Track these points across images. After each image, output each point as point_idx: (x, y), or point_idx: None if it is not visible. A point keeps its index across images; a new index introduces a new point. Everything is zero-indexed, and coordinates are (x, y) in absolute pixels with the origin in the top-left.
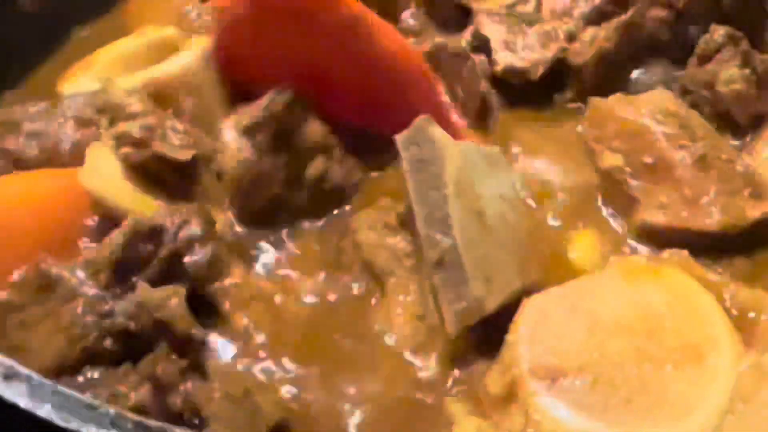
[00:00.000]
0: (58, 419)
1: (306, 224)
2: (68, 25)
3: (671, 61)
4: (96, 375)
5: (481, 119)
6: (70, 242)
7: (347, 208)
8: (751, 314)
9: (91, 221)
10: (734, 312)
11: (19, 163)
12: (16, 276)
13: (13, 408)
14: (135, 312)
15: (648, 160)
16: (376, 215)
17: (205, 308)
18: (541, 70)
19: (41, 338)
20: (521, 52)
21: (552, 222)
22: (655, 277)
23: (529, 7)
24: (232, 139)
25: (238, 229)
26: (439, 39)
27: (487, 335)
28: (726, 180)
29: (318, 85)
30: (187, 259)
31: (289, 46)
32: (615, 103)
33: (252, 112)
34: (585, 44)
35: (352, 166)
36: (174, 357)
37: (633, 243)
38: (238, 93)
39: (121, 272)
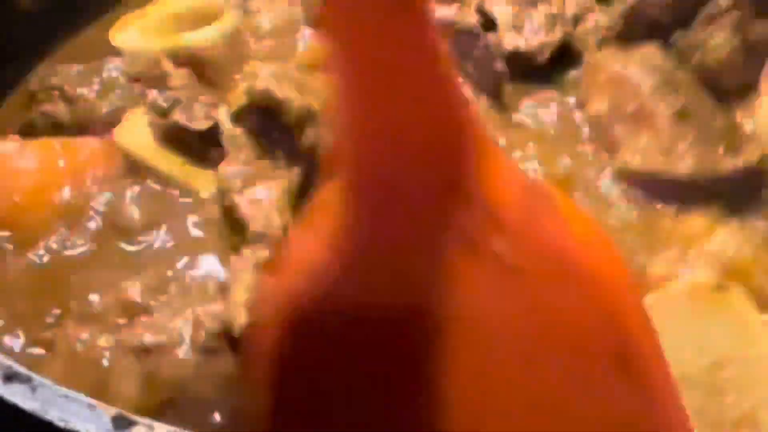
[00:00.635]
0: (58, 419)
1: None
2: None
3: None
4: None
5: (495, 97)
6: None
7: None
8: None
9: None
10: None
11: (57, 127)
12: None
13: (13, 408)
14: None
15: (630, 108)
16: None
17: None
18: (547, 54)
19: None
20: (528, 34)
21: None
22: (724, 310)
23: None
24: (227, 126)
25: None
26: (444, 12)
27: None
28: (704, 132)
29: None
30: None
31: None
32: (607, 55)
33: (237, 99)
34: (589, 30)
35: None
36: None
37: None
38: None
39: None
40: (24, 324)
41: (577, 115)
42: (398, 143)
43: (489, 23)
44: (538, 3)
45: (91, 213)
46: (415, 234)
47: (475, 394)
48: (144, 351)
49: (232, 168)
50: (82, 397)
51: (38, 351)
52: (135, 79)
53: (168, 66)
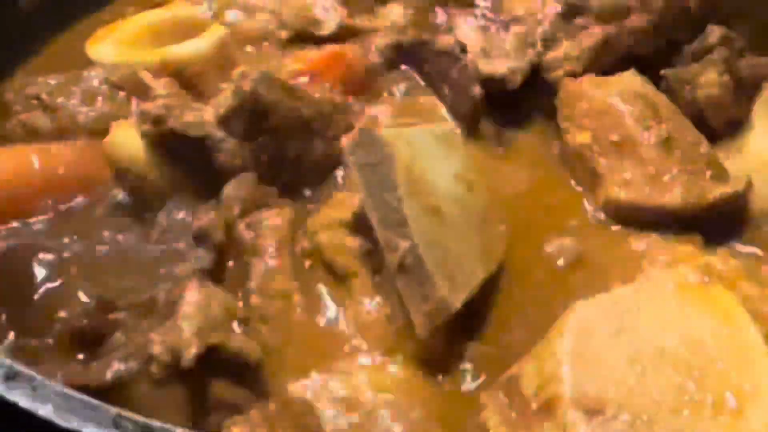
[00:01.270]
0: (58, 419)
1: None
2: None
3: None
4: None
5: (473, 122)
6: None
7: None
8: None
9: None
10: None
11: (34, 135)
12: None
13: (13, 408)
14: None
15: (614, 138)
16: (332, 214)
17: None
18: (519, 79)
19: None
20: (498, 59)
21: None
22: (706, 298)
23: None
24: (213, 129)
25: None
26: (423, 34)
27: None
28: (689, 161)
29: None
30: None
31: None
32: (586, 83)
33: (225, 100)
34: (559, 61)
35: (333, 135)
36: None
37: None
38: None
39: None
40: None
41: (556, 144)
42: None
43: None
44: (511, 25)
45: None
46: None
47: None
48: None
49: (237, 190)
50: (82, 396)
51: None
52: (118, 87)
53: (147, 76)
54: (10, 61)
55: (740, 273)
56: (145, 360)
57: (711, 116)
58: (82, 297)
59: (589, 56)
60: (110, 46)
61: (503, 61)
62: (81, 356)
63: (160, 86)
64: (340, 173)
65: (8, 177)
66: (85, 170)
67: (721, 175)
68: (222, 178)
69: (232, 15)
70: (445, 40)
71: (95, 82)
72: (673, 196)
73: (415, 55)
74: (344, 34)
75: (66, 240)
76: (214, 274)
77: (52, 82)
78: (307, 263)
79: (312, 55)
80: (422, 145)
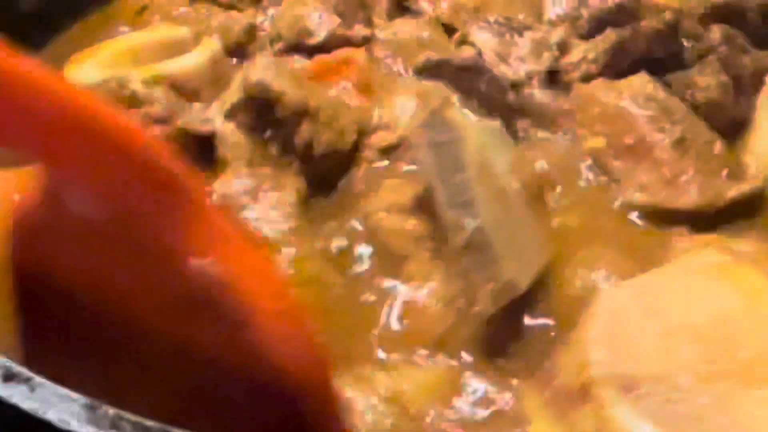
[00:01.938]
0: (57, 420)
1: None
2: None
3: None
4: None
5: (507, 125)
6: None
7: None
8: None
9: None
10: None
11: None
12: None
13: (13, 408)
14: None
15: (629, 141)
16: (389, 197)
17: None
18: (535, 84)
19: None
20: (514, 63)
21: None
22: (732, 276)
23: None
24: (220, 124)
25: None
26: (434, 53)
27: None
28: (704, 161)
29: None
30: None
31: None
32: (597, 88)
33: (231, 94)
34: (574, 65)
35: (345, 126)
36: None
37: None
38: None
39: None
40: None
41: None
42: None
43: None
44: (524, 30)
45: None
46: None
47: None
48: None
49: (235, 180)
50: (81, 397)
51: None
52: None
53: (138, 87)
54: None
55: (765, 254)
56: None
57: (713, 118)
58: None
59: (604, 59)
60: (91, 67)
61: (518, 66)
62: None
63: (155, 91)
64: (361, 173)
65: None
66: None
67: (736, 173)
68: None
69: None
70: (464, 54)
71: None
72: (690, 197)
73: (436, 72)
74: (338, 45)
75: None
76: None
77: None
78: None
79: (319, 58)
80: (487, 136)
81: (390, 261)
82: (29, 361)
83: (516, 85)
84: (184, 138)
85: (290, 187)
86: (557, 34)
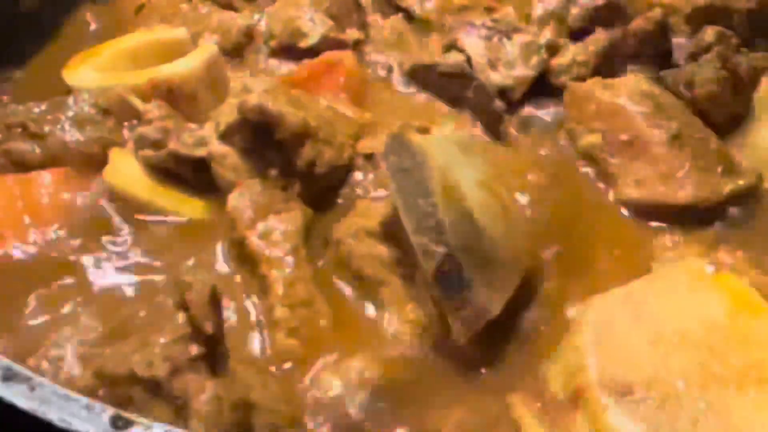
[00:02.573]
0: (57, 420)
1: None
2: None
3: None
4: None
5: (496, 131)
6: None
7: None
8: None
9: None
10: None
11: (20, 164)
12: None
13: (13, 408)
14: None
15: (625, 137)
16: (357, 222)
17: None
18: (524, 89)
19: None
20: (503, 69)
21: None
22: (716, 285)
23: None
24: (216, 146)
25: None
26: (422, 58)
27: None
28: (700, 156)
29: None
30: None
31: None
32: (593, 85)
33: (225, 116)
34: (563, 67)
35: (342, 141)
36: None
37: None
38: None
39: None
40: None
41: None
42: None
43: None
44: (512, 33)
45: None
46: None
47: None
48: None
49: (242, 199)
50: (80, 397)
51: None
52: (107, 112)
53: (136, 101)
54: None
55: (748, 263)
56: None
57: (712, 113)
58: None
59: (595, 61)
60: (89, 71)
61: (509, 71)
62: None
63: (153, 108)
64: (354, 179)
65: None
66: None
67: (732, 169)
68: (227, 193)
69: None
70: (451, 61)
71: (83, 108)
72: (686, 193)
73: (423, 77)
74: (330, 47)
75: None
76: None
77: (35, 110)
78: (331, 273)
79: (307, 63)
80: (450, 152)
81: (367, 286)
82: None
83: (504, 91)
84: (177, 161)
85: (297, 209)
86: (545, 36)
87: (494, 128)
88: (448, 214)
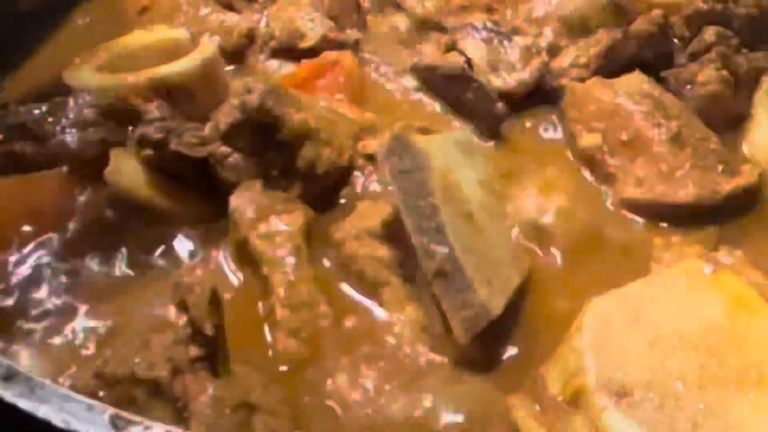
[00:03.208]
0: (57, 420)
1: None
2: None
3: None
4: None
5: (497, 131)
6: None
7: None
8: None
9: None
10: None
11: (21, 165)
12: None
13: (13, 408)
14: None
15: (625, 137)
16: (359, 224)
17: None
18: (524, 91)
19: None
20: (504, 72)
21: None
22: (715, 286)
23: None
24: (217, 146)
25: None
26: (425, 59)
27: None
28: (700, 156)
29: None
30: None
31: None
32: (592, 86)
33: (226, 116)
34: (565, 69)
35: (342, 142)
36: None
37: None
38: None
39: None
40: None
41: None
42: None
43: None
44: (513, 36)
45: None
46: None
47: None
48: None
49: (243, 200)
50: (80, 397)
51: None
52: (107, 113)
53: (137, 101)
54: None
55: (747, 263)
56: None
57: (713, 112)
58: None
59: (597, 62)
60: (89, 71)
61: (510, 74)
62: None
63: (154, 109)
64: (355, 180)
65: None
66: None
67: (732, 168)
68: (228, 194)
69: (207, 40)
70: (451, 63)
71: (84, 109)
72: (687, 192)
73: (423, 78)
74: (330, 47)
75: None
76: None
77: (36, 111)
78: (333, 273)
79: (307, 63)
80: (450, 152)
81: (368, 287)
82: None
83: (504, 93)
84: (179, 161)
85: (299, 210)
86: (546, 39)
87: (494, 129)
88: (449, 214)
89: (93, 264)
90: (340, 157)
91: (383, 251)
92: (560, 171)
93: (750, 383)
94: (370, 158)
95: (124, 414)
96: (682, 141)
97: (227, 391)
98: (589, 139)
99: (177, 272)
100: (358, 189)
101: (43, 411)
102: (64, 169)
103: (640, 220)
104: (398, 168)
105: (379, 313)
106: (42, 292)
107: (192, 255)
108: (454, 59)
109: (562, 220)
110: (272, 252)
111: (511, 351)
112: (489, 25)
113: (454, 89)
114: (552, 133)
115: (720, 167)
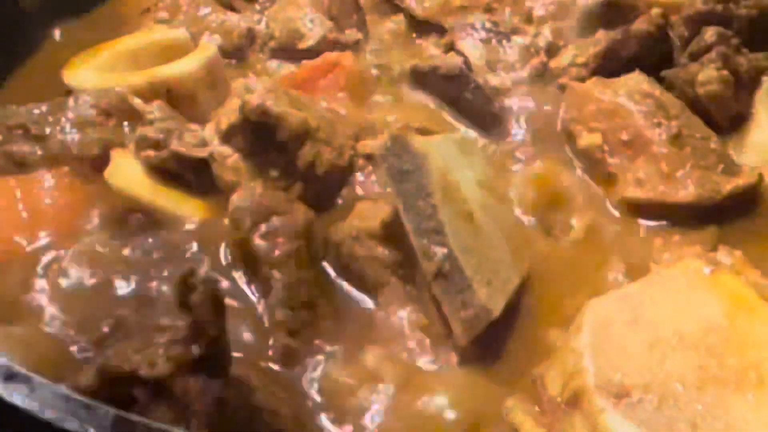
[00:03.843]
0: (57, 420)
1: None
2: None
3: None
4: None
5: (492, 131)
6: None
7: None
8: None
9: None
10: None
11: (21, 166)
12: None
13: (13, 408)
14: None
15: (625, 137)
16: (358, 224)
17: None
18: (522, 90)
19: None
20: (501, 72)
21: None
22: (714, 286)
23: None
24: (216, 146)
25: None
26: (424, 60)
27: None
28: (700, 156)
29: None
30: None
31: None
32: (592, 85)
33: (227, 116)
34: (564, 69)
35: (342, 142)
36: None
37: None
38: None
39: None
40: None
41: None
42: None
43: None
44: (511, 35)
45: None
46: None
47: None
48: None
49: (244, 201)
50: (80, 397)
51: None
52: (108, 113)
53: (137, 101)
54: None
55: (745, 263)
56: None
57: (714, 112)
58: None
59: (596, 62)
60: (89, 72)
61: (508, 74)
62: None
63: (154, 109)
64: (355, 180)
65: None
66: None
67: (732, 168)
68: (228, 194)
69: (207, 39)
70: (450, 63)
71: (84, 109)
72: (687, 192)
73: (422, 78)
74: (329, 48)
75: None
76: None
77: (36, 111)
78: (332, 274)
79: (307, 63)
80: (449, 153)
81: (368, 287)
82: None
83: (502, 93)
84: (179, 161)
85: (299, 210)
86: (544, 38)
87: (493, 129)
88: (448, 215)
89: (91, 263)
90: (340, 157)
91: (383, 251)
92: (560, 170)
93: (749, 384)
94: (370, 158)
95: (125, 414)
96: (682, 141)
97: (228, 391)
98: (589, 139)
99: (179, 272)
100: (358, 189)
101: (43, 411)
102: (65, 169)
103: (639, 219)
104: (397, 168)
105: (379, 313)
106: (42, 292)
107: (193, 255)
108: (453, 59)
109: (561, 219)
110: (272, 252)
111: (510, 351)
112: (488, 25)
113: (453, 89)
114: (551, 132)
115: (720, 167)
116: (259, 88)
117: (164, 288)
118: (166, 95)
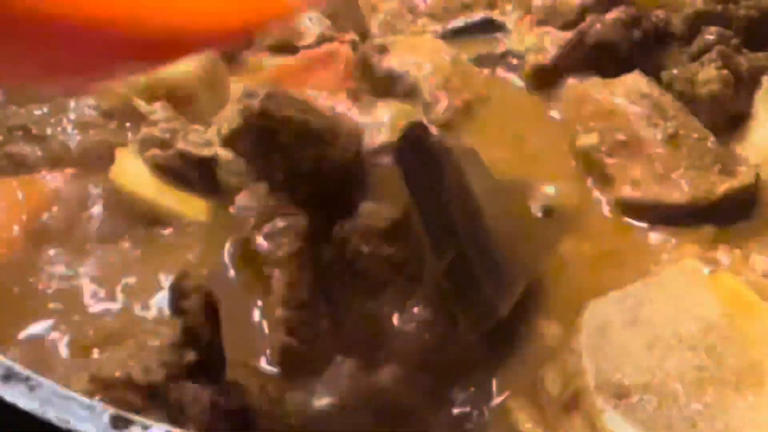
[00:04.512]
0: (57, 420)
1: None
2: None
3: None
4: None
5: None
6: None
7: None
8: None
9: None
10: None
11: (22, 167)
12: None
13: (13, 408)
14: None
15: (621, 137)
16: (363, 222)
17: None
18: None
19: None
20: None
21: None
22: (713, 286)
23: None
24: (220, 150)
25: None
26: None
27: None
28: (697, 156)
29: None
30: None
31: None
32: (590, 86)
33: (228, 121)
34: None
35: (345, 142)
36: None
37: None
38: None
39: None
40: None
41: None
42: None
43: None
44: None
45: None
46: None
47: None
48: None
49: (248, 202)
50: (80, 396)
51: None
52: (108, 114)
53: (139, 102)
54: None
55: (744, 263)
56: None
57: (714, 112)
58: None
59: (557, 51)
60: None
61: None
62: None
63: (158, 110)
64: (359, 179)
65: None
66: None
67: (729, 169)
68: (232, 195)
69: None
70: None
71: (85, 110)
72: (682, 193)
73: None
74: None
75: None
76: None
77: (37, 112)
78: (335, 273)
79: (306, 52)
80: (460, 150)
81: (372, 286)
82: None
83: None
84: (184, 161)
85: (303, 211)
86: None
87: None
88: (460, 212)
89: (92, 263)
90: (342, 159)
91: (387, 250)
92: (560, 169)
93: (748, 383)
94: (375, 156)
95: (125, 414)
96: (678, 141)
97: (224, 396)
98: (585, 139)
99: (176, 274)
100: (363, 188)
101: (43, 411)
102: (66, 170)
103: (637, 221)
104: (409, 164)
105: (382, 312)
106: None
107: (194, 256)
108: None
109: (561, 220)
110: (275, 252)
111: (512, 351)
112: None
113: None
114: (550, 131)
115: (717, 167)
116: (259, 91)
117: None
118: (165, 96)
